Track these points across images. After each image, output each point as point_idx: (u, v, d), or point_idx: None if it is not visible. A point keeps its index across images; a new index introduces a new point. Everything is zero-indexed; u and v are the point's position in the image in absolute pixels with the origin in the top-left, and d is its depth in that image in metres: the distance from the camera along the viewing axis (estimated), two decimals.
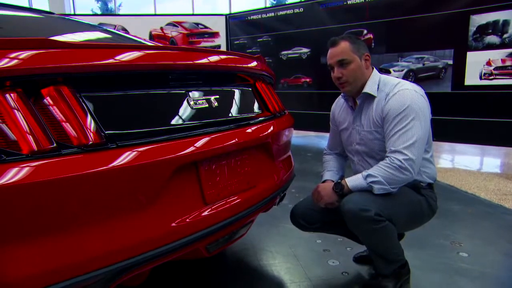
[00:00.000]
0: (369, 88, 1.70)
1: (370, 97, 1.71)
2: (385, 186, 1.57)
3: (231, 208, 1.38)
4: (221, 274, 2.02)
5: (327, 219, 1.80)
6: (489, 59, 4.25)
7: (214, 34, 7.15)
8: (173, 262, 1.71)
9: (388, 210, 1.57)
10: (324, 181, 1.81)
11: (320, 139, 6.53)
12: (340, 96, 1.89)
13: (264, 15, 6.55)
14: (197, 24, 7.18)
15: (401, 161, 1.55)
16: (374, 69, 1.76)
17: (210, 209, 1.30)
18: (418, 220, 1.77)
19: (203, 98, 1.41)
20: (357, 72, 1.69)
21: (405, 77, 4.72)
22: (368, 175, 1.59)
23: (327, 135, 2.07)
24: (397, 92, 1.64)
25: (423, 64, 4.76)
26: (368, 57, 1.72)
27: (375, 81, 1.71)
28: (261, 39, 6.64)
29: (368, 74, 1.73)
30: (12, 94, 0.89)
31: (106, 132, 1.03)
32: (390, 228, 1.58)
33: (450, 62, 4.55)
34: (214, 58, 1.50)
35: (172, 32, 7.16)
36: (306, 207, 1.85)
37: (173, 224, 1.16)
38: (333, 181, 1.73)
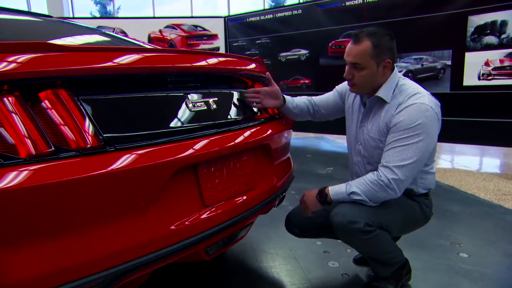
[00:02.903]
0: (383, 92, 1.58)
1: (382, 102, 1.60)
2: (367, 203, 1.54)
3: (230, 210, 1.38)
4: (220, 276, 2.01)
5: (322, 225, 1.78)
6: (488, 59, 4.25)
7: (213, 36, 7.15)
8: (173, 265, 1.70)
9: (378, 218, 1.54)
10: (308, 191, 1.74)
11: (319, 141, 6.53)
12: None
13: (262, 17, 6.56)
14: (196, 26, 7.19)
15: (389, 180, 1.49)
16: (395, 71, 1.62)
17: (209, 211, 1.30)
18: (411, 225, 1.74)
19: (202, 100, 1.41)
20: (368, 79, 1.57)
21: None
22: (352, 193, 1.55)
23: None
24: (411, 104, 1.51)
25: (422, 65, 4.77)
26: (389, 63, 1.57)
27: (391, 86, 1.59)
28: (259, 41, 6.65)
29: (383, 80, 1.59)
30: (9, 98, 0.89)
31: (104, 135, 1.03)
32: (382, 235, 1.56)
33: (449, 62, 4.56)
34: (212, 60, 1.50)
35: (171, 35, 7.16)
36: (300, 215, 1.82)
37: (172, 227, 1.16)
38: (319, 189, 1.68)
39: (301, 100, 1.93)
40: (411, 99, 1.53)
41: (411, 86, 1.60)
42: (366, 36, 1.54)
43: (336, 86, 1.94)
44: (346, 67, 1.62)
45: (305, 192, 1.73)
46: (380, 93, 1.60)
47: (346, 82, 1.85)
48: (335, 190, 1.60)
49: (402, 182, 1.51)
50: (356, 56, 1.55)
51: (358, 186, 1.55)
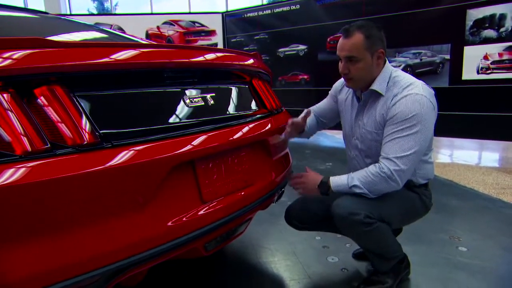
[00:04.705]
0: (377, 85, 1.59)
1: (377, 94, 1.61)
2: (368, 195, 1.54)
3: (229, 206, 1.38)
4: (220, 272, 2.01)
5: (321, 219, 1.79)
6: (486, 53, 4.24)
7: (211, 32, 7.13)
8: (172, 261, 1.70)
9: (378, 210, 1.55)
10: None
11: (318, 136, 6.52)
12: None
13: (260, 13, 6.53)
14: (194, 22, 7.17)
15: (391, 171, 1.49)
16: (387, 63, 1.63)
17: (207, 207, 1.30)
18: (411, 217, 1.75)
19: (199, 96, 1.40)
20: (365, 71, 1.58)
21: None
22: (353, 186, 1.54)
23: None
24: (406, 95, 1.52)
25: (421, 59, 4.76)
26: (382, 53, 1.58)
27: (385, 79, 1.60)
28: (258, 37, 6.63)
29: (378, 72, 1.60)
30: (4, 95, 0.88)
31: (101, 131, 1.02)
32: (383, 228, 1.56)
33: (448, 57, 4.55)
34: (210, 56, 1.49)
35: (168, 31, 7.14)
36: (300, 207, 1.83)
37: (170, 223, 1.16)
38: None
39: (310, 119, 1.95)
40: (406, 90, 1.54)
41: (405, 77, 1.61)
42: (356, 29, 1.55)
43: (330, 91, 1.96)
44: (341, 63, 1.62)
45: (307, 172, 1.68)
46: (375, 86, 1.60)
47: (336, 83, 1.90)
48: (337, 181, 1.59)
49: (404, 173, 1.51)
50: (350, 50, 1.56)
51: (359, 178, 1.54)
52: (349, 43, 1.56)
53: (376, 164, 1.54)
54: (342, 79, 1.83)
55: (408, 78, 1.61)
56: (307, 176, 1.67)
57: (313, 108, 1.98)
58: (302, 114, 1.79)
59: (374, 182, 1.52)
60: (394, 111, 1.53)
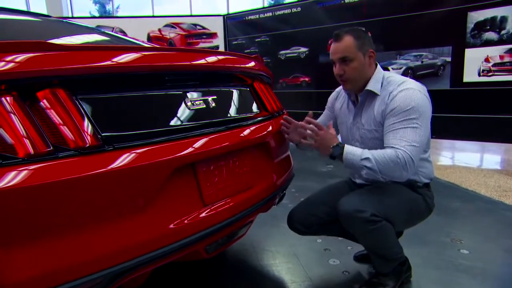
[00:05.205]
0: (372, 85, 1.65)
1: (373, 95, 1.66)
2: (375, 173, 1.51)
3: (230, 208, 1.38)
4: (221, 275, 2.01)
5: (325, 222, 1.80)
6: (487, 55, 4.25)
7: (212, 35, 7.15)
8: (173, 264, 1.70)
9: (384, 210, 1.56)
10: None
11: None
12: (341, 86, 1.78)
13: (262, 15, 6.55)
14: (195, 25, 7.18)
15: (405, 160, 1.48)
16: (378, 66, 1.70)
17: (209, 210, 1.30)
18: (415, 218, 1.76)
19: (201, 98, 1.41)
20: (360, 70, 1.64)
21: (403, 75, 4.72)
22: (365, 159, 1.50)
23: None
24: (402, 90, 1.57)
25: (422, 62, 4.76)
26: (373, 53, 1.66)
27: (378, 79, 1.66)
28: (259, 39, 6.64)
29: (372, 71, 1.67)
30: (7, 98, 0.88)
31: (102, 134, 1.03)
32: (387, 227, 1.57)
33: (449, 59, 4.55)
34: (211, 59, 1.50)
35: (170, 34, 7.16)
36: (303, 212, 1.83)
37: (172, 226, 1.16)
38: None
39: None
40: (401, 86, 1.60)
41: (397, 77, 1.68)
42: (346, 33, 1.64)
43: (326, 105, 2.01)
44: (335, 66, 1.67)
45: (330, 129, 1.62)
46: (370, 86, 1.66)
47: (331, 95, 1.96)
48: (351, 149, 1.55)
49: (414, 164, 1.51)
50: (343, 51, 1.63)
51: (374, 154, 1.51)
52: (341, 46, 1.63)
53: (392, 149, 1.51)
54: (335, 91, 1.94)
55: (401, 77, 1.69)
56: (327, 132, 1.59)
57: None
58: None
59: (388, 164, 1.49)
60: (393, 105, 1.57)
